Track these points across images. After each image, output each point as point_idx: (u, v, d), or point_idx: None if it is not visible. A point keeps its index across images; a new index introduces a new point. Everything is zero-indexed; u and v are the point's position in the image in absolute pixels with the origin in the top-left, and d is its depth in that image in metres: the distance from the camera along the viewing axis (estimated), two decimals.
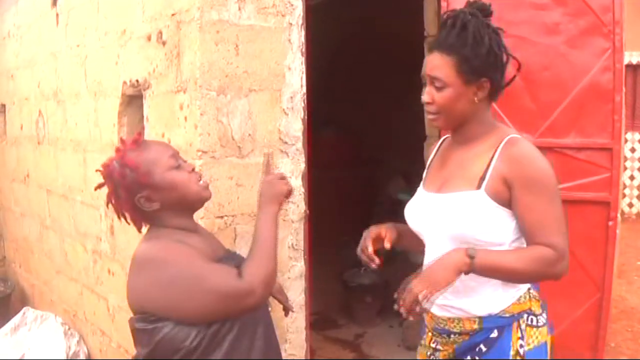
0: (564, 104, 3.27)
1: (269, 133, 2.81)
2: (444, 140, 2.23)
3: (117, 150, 1.91)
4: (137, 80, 3.12)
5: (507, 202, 1.90)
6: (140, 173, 1.85)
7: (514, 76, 2.04)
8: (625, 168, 8.49)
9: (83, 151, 3.85)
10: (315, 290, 5.42)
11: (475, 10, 1.94)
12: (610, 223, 3.40)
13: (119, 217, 1.96)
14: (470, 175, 1.95)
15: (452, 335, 2.03)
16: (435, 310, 2.03)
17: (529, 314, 1.99)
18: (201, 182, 1.97)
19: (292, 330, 2.99)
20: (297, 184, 2.90)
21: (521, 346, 1.97)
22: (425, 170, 2.21)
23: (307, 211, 2.96)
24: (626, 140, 8.37)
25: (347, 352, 4.52)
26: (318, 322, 4.97)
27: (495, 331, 1.97)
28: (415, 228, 2.11)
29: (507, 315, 1.97)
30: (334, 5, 5.94)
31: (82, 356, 3.99)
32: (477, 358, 1.98)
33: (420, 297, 1.79)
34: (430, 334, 2.14)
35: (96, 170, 1.96)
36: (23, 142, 5.15)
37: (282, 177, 2.11)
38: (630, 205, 8.61)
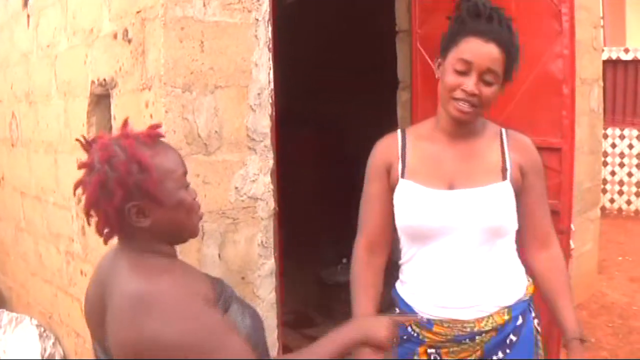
0: (516, 97, 2.95)
1: (236, 130, 2.79)
2: (404, 134, 2.10)
3: (125, 135, 1.54)
4: (104, 79, 3.10)
5: (519, 190, 1.97)
6: (152, 179, 1.48)
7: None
8: (607, 164, 8.53)
9: (54, 152, 3.82)
10: (294, 289, 5.44)
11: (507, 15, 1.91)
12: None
13: (86, 214, 1.54)
14: (489, 167, 1.95)
15: (477, 337, 1.94)
16: (460, 315, 1.94)
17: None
18: (200, 213, 1.65)
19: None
20: (266, 180, 2.89)
21: (538, 324, 2.03)
22: (401, 165, 2.03)
23: (277, 208, 2.95)
24: (607, 136, 8.40)
25: None
26: (295, 321, 4.96)
27: (520, 318, 1.97)
28: (428, 230, 1.97)
29: (527, 297, 2.01)
30: (313, 2, 5.96)
31: (57, 357, 3.96)
32: (508, 351, 1.95)
33: None
34: (429, 350, 2.00)
35: (82, 142, 1.58)
36: None
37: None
38: (612, 200, 8.66)
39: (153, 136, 1.55)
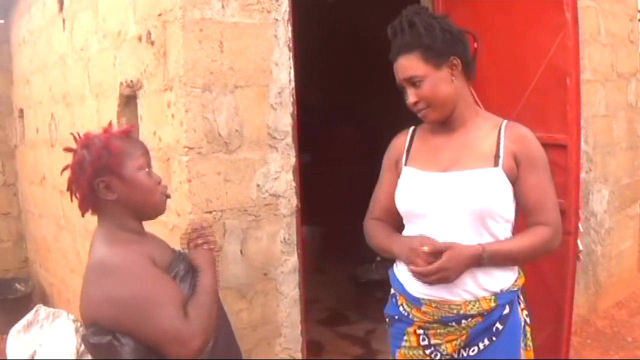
0: (527, 93, 2.88)
1: (256, 128, 2.84)
2: (414, 130, 2.27)
3: (105, 131, 1.92)
4: (131, 81, 3.18)
5: (514, 179, 2.02)
6: (116, 160, 1.85)
7: (475, 49, 2.13)
8: None
9: None
10: (329, 287, 5.49)
11: (413, 10, 2.05)
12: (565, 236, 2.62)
13: (67, 189, 1.91)
14: (482, 154, 2.03)
15: (464, 321, 2.01)
16: (449, 295, 2.01)
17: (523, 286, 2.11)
18: (165, 194, 1.98)
19: (287, 324, 3.01)
20: (289, 178, 2.93)
21: (527, 316, 2.09)
22: (405, 156, 2.21)
23: (299, 205, 2.98)
24: None
25: (357, 348, 4.49)
26: (330, 318, 5.01)
27: (507, 307, 2.03)
28: (418, 209, 2.08)
29: (515, 288, 2.06)
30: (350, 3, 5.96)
31: None
32: (494, 339, 2.01)
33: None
34: (418, 331, 2.09)
35: (74, 136, 1.93)
36: (39, 145, 5.27)
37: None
38: None
39: (125, 131, 1.96)
